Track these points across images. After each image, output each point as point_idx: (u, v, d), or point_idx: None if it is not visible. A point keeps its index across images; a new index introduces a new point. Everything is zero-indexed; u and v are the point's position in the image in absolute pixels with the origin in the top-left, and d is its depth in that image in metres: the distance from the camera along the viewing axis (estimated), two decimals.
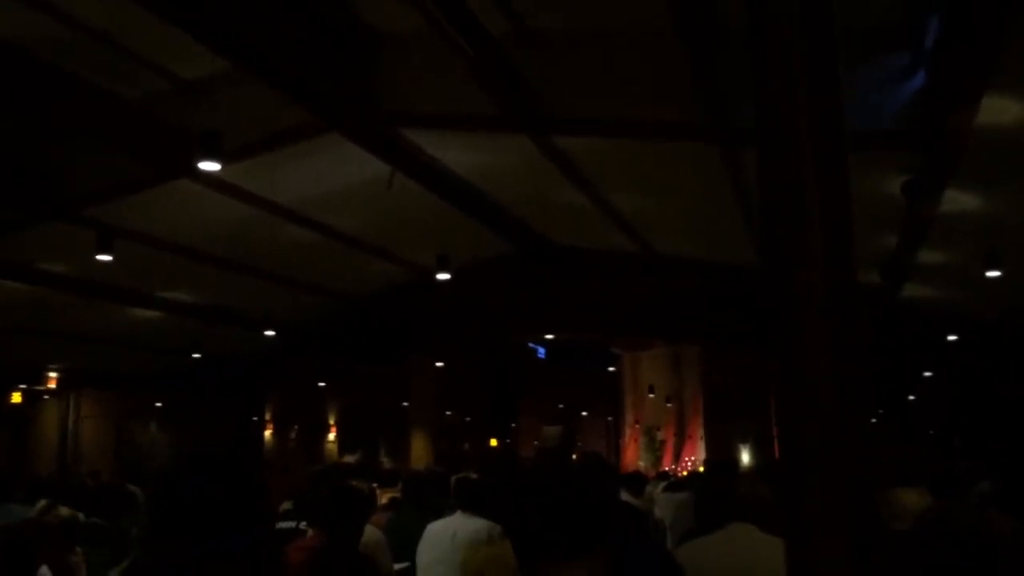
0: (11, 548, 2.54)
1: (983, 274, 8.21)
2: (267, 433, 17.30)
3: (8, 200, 8.76)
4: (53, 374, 17.50)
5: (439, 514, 5.04)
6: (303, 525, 3.94)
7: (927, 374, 14.59)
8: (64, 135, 8.11)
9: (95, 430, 18.19)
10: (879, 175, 7.07)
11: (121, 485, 4.96)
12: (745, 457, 14.29)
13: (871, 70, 5.86)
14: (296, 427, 17.79)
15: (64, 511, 3.91)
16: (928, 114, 5.77)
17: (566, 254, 13.23)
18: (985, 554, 1.78)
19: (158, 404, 17.72)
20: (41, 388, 17.80)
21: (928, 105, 5.75)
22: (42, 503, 3.95)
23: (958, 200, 7.38)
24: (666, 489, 9.55)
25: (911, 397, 15.15)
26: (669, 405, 22.88)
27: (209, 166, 6.36)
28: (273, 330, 14.08)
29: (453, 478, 6.03)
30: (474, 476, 5.26)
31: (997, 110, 5.56)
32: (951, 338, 12.64)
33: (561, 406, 24.67)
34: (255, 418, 17.12)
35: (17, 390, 17.50)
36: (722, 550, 2.93)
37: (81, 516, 4.43)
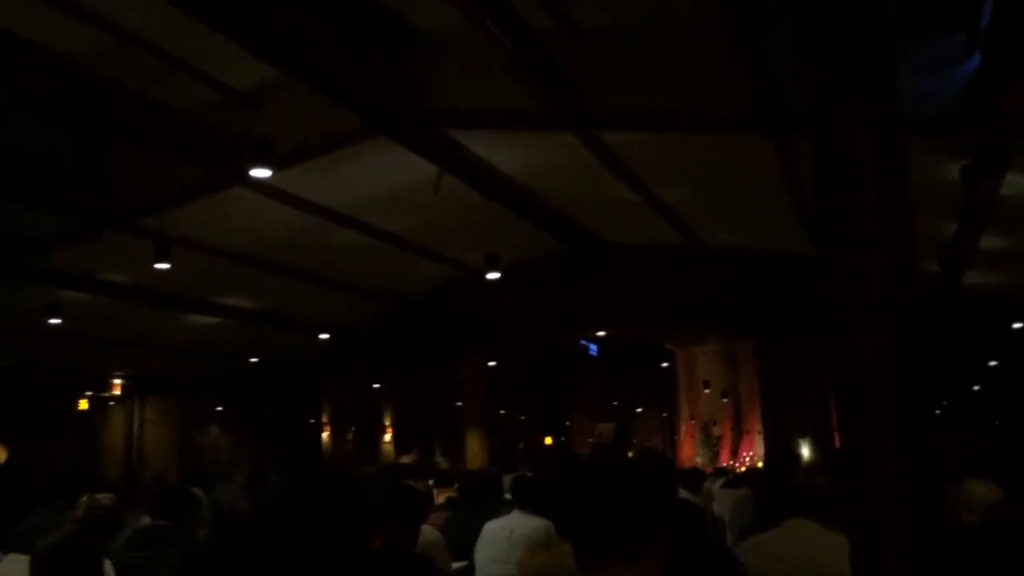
0: (82, 549, 2.61)
1: None
2: (324, 435, 17.53)
3: (68, 211, 9.01)
4: (117, 381, 17.97)
5: (496, 513, 5.05)
6: None
7: (992, 363, 14.19)
8: (120, 147, 8.31)
9: (159, 435, 18.62)
10: (936, 160, 6.89)
11: (185, 488, 5.06)
12: (805, 451, 14.04)
13: (926, 53, 5.72)
14: (353, 429, 17.99)
15: (106, 499, 4.02)
16: (985, 96, 5.60)
17: (615, 250, 13.16)
18: None
19: (219, 408, 18.07)
20: (106, 395, 18.29)
21: (984, 87, 5.59)
22: (84, 498, 4.05)
23: (1020, 184, 7.16)
24: (724, 485, 9.46)
25: (976, 387, 14.75)
26: (725, 400, 22.59)
27: (260, 173, 6.47)
28: (327, 333, 14.26)
29: (509, 477, 6.03)
30: (529, 475, 5.26)
31: None
32: (1016, 326, 12.28)
33: (615, 403, 24.56)
34: (312, 420, 17.36)
35: (84, 397, 18.00)
36: (782, 546, 2.89)
37: (147, 519, 4.55)
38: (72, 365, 15.37)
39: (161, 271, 9.23)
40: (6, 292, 10.57)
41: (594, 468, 1.88)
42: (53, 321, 10.82)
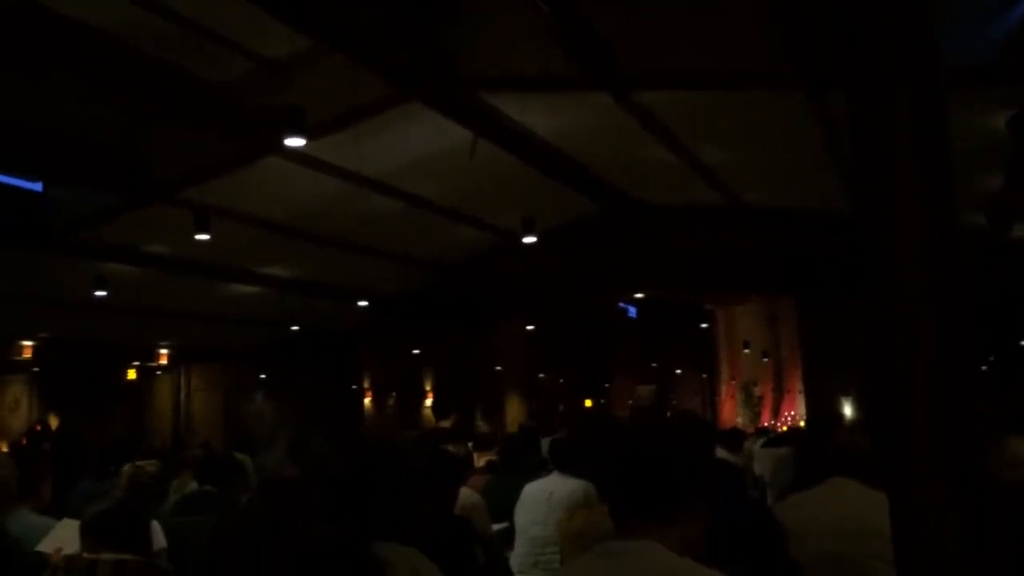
0: (127, 516, 2.69)
1: None
2: (366, 401, 17.76)
3: (110, 186, 9.16)
4: (164, 351, 18.35)
5: (536, 475, 5.09)
6: None
7: None
8: (158, 121, 8.40)
9: (205, 403, 19.03)
10: (981, 111, 6.72)
11: (229, 454, 5.17)
12: (848, 410, 13.92)
13: (969, 1, 5.54)
14: (393, 394, 18.20)
15: (150, 466, 4.14)
16: None
17: (653, 211, 13.06)
18: None
19: (262, 376, 18.38)
20: (153, 365, 18.70)
21: None
22: (127, 467, 4.18)
23: None
24: (765, 445, 9.42)
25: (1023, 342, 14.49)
26: (766, 360, 22.44)
27: (294, 142, 6.50)
28: (366, 300, 14.38)
29: (546, 439, 6.06)
30: (564, 437, 5.28)
31: None
32: None
33: (654, 365, 24.52)
34: (354, 387, 17.59)
35: (132, 367, 18.44)
36: (822, 505, 2.88)
37: (193, 484, 4.67)
38: (120, 336, 15.72)
39: (202, 242, 9.35)
40: (55, 267, 10.81)
41: (633, 431, 1.89)
42: (99, 294, 11.05)
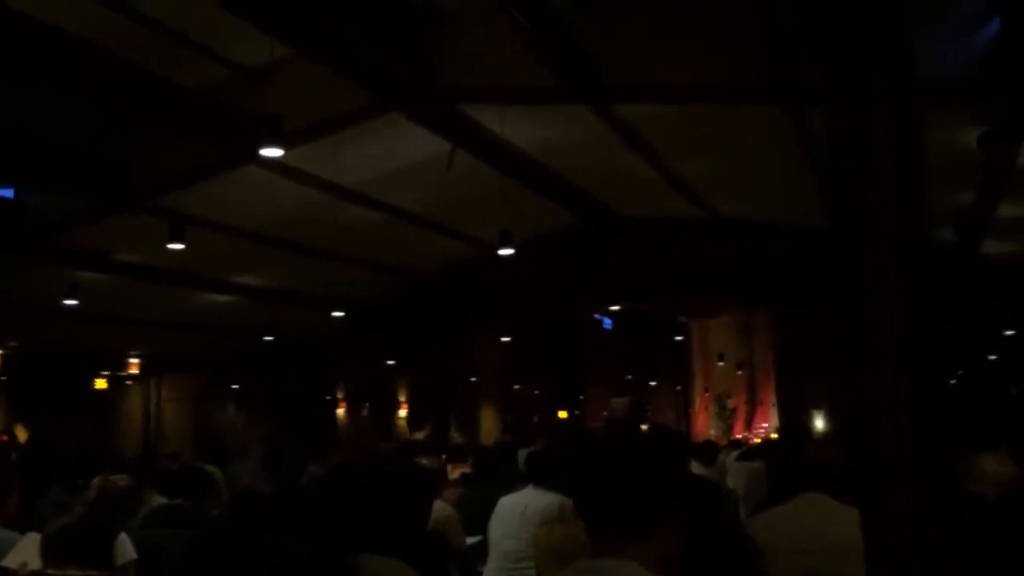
0: (91, 532, 2.64)
1: None
2: (340, 412, 17.63)
3: (83, 192, 9.04)
4: (135, 360, 18.11)
5: (511, 488, 5.07)
6: None
7: (1008, 332, 14.09)
8: (133, 127, 8.31)
9: (176, 413, 18.80)
10: (954, 128, 6.81)
11: (198, 466, 5.09)
12: (820, 423, 14.02)
13: (944, 18, 5.62)
14: (368, 405, 18.08)
15: (121, 480, 4.09)
16: (1004, 62, 5.51)
17: (631, 224, 13.11)
18: None
19: (235, 386, 18.19)
20: (124, 374, 18.44)
21: (1004, 53, 5.50)
22: (97, 479, 4.13)
23: None
24: (739, 458, 9.43)
25: (992, 356, 14.67)
26: (739, 372, 22.57)
27: (272, 151, 6.44)
28: (342, 311, 14.29)
29: (523, 451, 6.04)
30: (541, 449, 5.26)
31: None
32: None
33: (629, 377, 24.56)
34: (328, 397, 17.46)
35: (102, 376, 18.18)
36: (795, 520, 2.88)
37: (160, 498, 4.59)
38: (90, 345, 15.49)
39: (176, 250, 9.26)
40: (26, 274, 10.65)
41: (608, 443, 1.88)
42: (70, 302, 10.90)
